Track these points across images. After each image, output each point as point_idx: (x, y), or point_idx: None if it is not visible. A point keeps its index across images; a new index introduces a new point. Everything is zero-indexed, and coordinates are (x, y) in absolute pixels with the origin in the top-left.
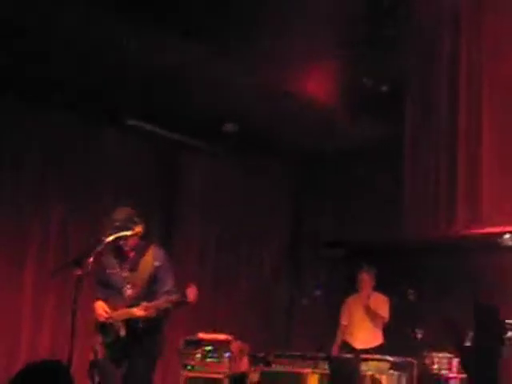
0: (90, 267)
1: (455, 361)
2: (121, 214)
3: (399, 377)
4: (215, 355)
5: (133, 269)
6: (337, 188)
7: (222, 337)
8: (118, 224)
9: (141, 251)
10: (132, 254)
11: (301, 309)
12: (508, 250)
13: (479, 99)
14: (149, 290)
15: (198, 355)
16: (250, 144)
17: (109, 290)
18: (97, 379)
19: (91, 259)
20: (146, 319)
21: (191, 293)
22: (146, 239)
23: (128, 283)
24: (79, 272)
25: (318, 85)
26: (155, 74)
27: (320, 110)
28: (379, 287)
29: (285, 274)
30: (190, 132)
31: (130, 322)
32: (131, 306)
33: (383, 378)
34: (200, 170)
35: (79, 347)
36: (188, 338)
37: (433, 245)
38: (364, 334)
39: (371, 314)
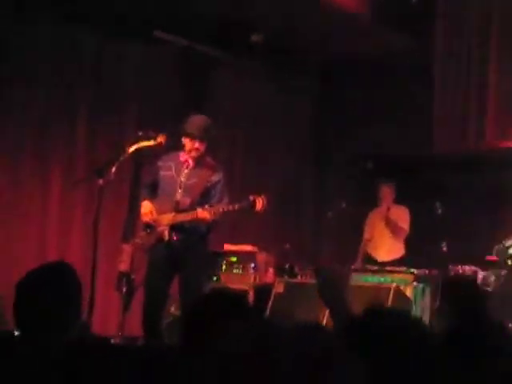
0: (112, 177)
1: (480, 274)
2: (191, 124)
3: (423, 289)
4: (240, 266)
5: (190, 177)
6: (365, 100)
7: (247, 248)
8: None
9: (202, 162)
10: (192, 163)
11: (327, 222)
12: None
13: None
14: (202, 202)
15: (224, 266)
16: (275, 56)
17: (159, 193)
18: (124, 289)
19: (114, 169)
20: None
21: (260, 202)
22: (210, 154)
23: (181, 189)
24: (101, 182)
25: None
26: None
27: (348, 18)
28: (407, 201)
29: (311, 187)
30: (216, 44)
31: (177, 228)
32: (181, 212)
33: (407, 290)
34: (226, 82)
35: (106, 257)
36: (213, 249)
37: (462, 159)
38: (385, 247)
39: (391, 226)
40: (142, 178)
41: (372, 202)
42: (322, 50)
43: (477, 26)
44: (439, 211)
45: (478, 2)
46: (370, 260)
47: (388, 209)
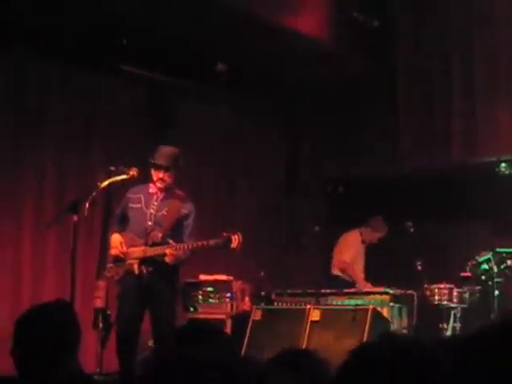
0: (86, 213)
1: (455, 291)
2: (159, 154)
3: (400, 309)
4: (217, 296)
5: (160, 208)
6: (333, 124)
7: (222, 277)
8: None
9: (171, 194)
10: (161, 195)
11: (300, 246)
12: (504, 178)
13: (471, 31)
14: (173, 235)
15: (200, 297)
16: (243, 83)
17: (129, 225)
18: (101, 326)
19: (87, 205)
20: (171, 260)
21: (236, 240)
22: (176, 185)
23: (151, 221)
24: (75, 218)
25: (310, 18)
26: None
27: (313, 44)
28: None
29: (283, 213)
30: (182, 74)
31: (147, 262)
32: (152, 245)
33: (384, 311)
34: (192, 110)
35: (81, 294)
36: (188, 279)
37: (430, 177)
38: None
39: None
40: (113, 209)
41: (344, 224)
42: (287, 77)
43: (438, 45)
44: (411, 230)
45: (438, 21)
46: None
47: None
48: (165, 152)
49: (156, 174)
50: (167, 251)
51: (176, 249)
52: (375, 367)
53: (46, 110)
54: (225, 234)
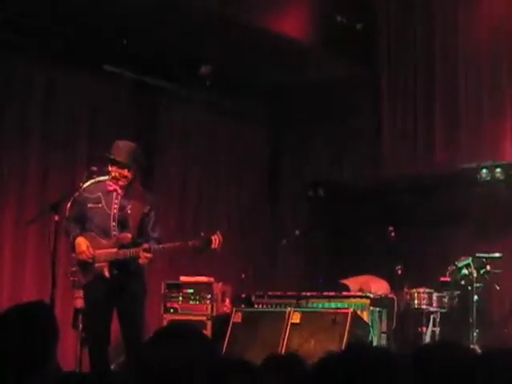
0: (67, 213)
1: (435, 296)
2: (118, 151)
3: (380, 313)
4: (197, 297)
5: (122, 207)
6: (315, 128)
7: (203, 279)
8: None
9: (131, 190)
10: (121, 192)
11: (281, 249)
12: (484, 184)
13: (455, 35)
14: (140, 233)
15: (181, 298)
16: (225, 85)
17: (88, 226)
18: (81, 326)
19: (69, 205)
20: (144, 262)
21: (216, 240)
22: (136, 180)
23: (115, 221)
24: (56, 218)
25: (293, 21)
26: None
27: (296, 47)
28: (360, 226)
29: (265, 215)
30: (166, 76)
31: (116, 264)
32: (121, 247)
33: (364, 315)
34: (177, 112)
35: (61, 294)
36: (169, 281)
37: (412, 182)
38: None
39: None
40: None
41: (324, 227)
42: (270, 80)
43: (421, 46)
44: (392, 235)
45: (420, 21)
46: None
47: None
48: (125, 149)
49: (119, 172)
50: (142, 255)
51: (151, 251)
52: (339, 378)
53: (30, 110)
54: (203, 235)
